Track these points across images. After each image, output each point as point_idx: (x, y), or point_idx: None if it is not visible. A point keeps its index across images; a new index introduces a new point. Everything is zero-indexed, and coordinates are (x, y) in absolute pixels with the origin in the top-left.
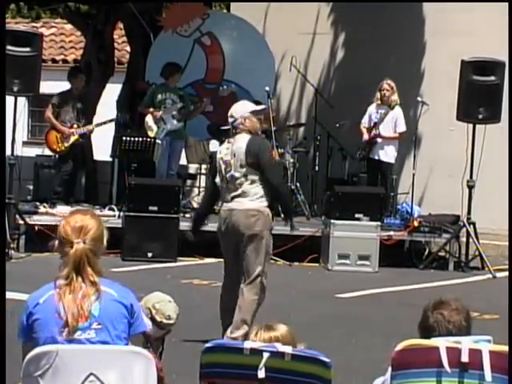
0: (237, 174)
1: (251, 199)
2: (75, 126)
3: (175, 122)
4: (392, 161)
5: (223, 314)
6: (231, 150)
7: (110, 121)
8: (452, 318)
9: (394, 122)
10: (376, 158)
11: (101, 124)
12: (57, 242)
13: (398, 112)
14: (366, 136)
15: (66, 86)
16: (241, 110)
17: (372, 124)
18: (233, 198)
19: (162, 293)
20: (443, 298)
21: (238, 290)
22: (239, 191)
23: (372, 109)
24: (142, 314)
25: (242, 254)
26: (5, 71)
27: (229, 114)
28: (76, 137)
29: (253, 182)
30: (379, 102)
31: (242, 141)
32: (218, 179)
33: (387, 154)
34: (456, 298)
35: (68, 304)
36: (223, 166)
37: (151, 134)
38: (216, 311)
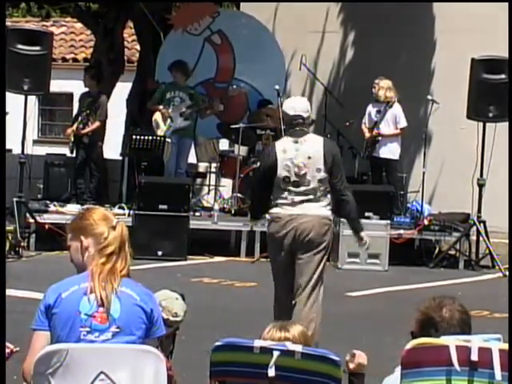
0: (310, 178)
1: (322, 205)
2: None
3: (182, 119)
4: (396, 157)
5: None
6: (303, 152)
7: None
8: (454, 314)
9: (394, 119)
10: (379, 156)
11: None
12: (71, 240)
13: (397, 109)
14: (367, 135)
15: (75, 84)
16: (307, 105)
17: (373, 123)
18: (302, 201)
19: (172, 291)
20: (439, 299)
21: None
22: (310, 196)
23: (370, 108)
24: (160, 319)
25: None
26: (5, 71)
27: (301, 109)
28: (71, 139)
29: (326, 187)
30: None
31: (315, 142)
32: (280, 179)
33: (391, 151)
34: (449, 296)
35: (102, 281)
36: (294, 169)
37: (159, 132)
38: (225, 309)
